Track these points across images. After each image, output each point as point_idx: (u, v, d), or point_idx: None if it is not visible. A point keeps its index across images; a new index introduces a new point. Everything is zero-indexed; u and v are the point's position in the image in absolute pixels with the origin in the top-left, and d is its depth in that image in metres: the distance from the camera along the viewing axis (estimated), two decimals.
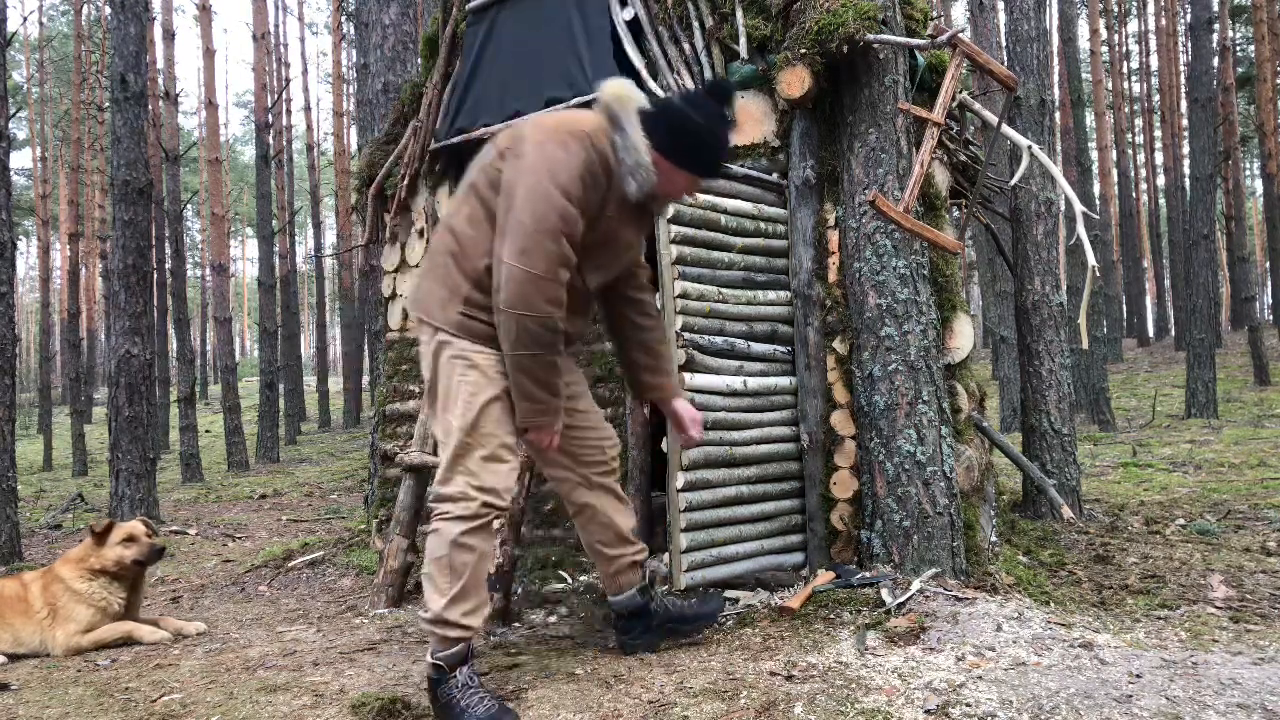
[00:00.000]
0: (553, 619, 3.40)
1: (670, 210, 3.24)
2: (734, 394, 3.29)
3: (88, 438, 16.65)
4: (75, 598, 3.45)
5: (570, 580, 3.62)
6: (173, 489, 10.95)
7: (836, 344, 3.41)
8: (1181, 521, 4.92)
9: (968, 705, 2.09)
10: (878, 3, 3.30)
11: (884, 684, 2.28)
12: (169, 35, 14.52)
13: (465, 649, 2.34)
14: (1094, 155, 20.64)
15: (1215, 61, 14.31)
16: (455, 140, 4.13)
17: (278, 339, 16.17)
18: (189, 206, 30.23)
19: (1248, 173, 33.60)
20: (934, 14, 4.45)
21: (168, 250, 15.69)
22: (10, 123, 6.65)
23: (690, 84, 3.58)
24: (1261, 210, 25.38)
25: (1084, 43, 20.31)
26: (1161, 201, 27.12)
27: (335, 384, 27.27)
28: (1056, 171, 3.37)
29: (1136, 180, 27.55)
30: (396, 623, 3.49)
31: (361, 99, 10.23)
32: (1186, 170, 18.46)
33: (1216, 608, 3.21)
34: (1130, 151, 26.30)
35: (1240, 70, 23.54)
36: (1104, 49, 24.67)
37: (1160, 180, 27.00)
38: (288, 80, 24.65)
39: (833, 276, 3.43)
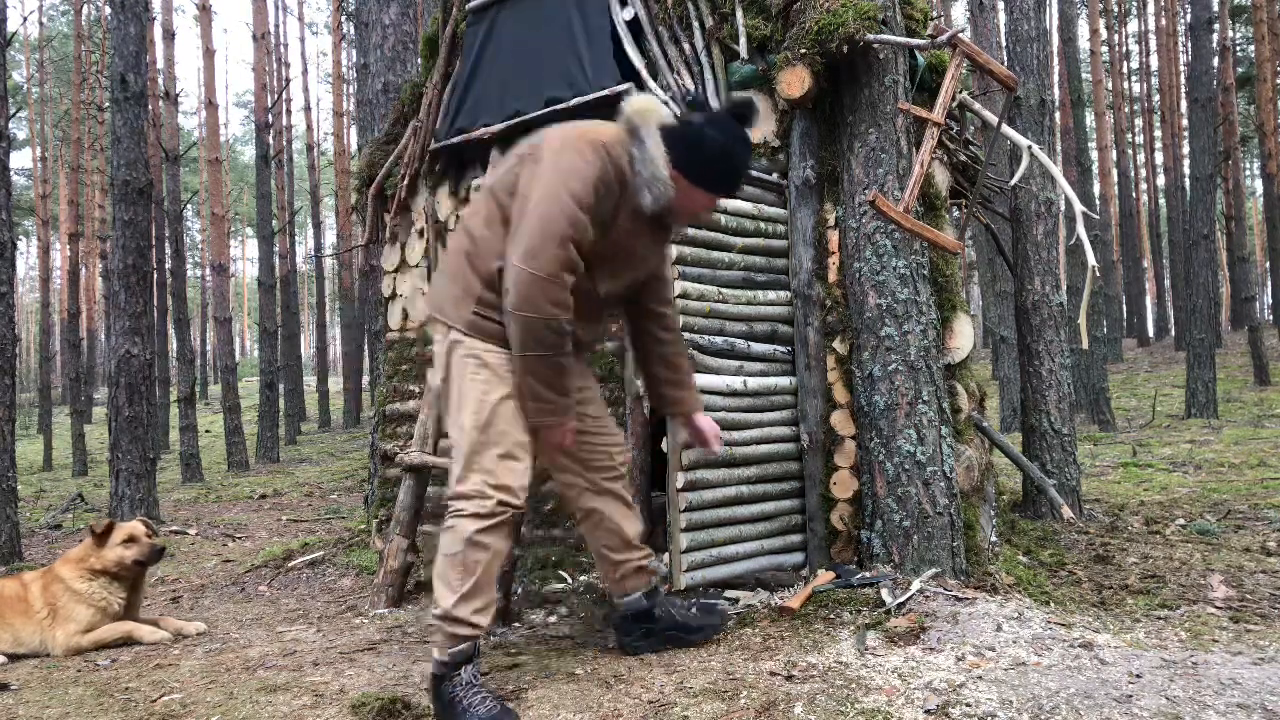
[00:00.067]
0: (553, 619, 3.40)
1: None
2: (734, 394, 3.29)
3: (88, 438, 16.65)
4: (75, 598, 3.45)
5: (570, 580, 3.62)
6: (173, 489, 10.95)
7: (836, 344, 3.41)
8: (1181, 521, 4.92)
9: (968, 705, 2.09)
10: (878, 3, 3.30)
11: (884, 684, 2.28)
12: (169, 35, 14.52)
13: (472, 647, 2.35)
14: (1094, 155, 20.64)
15: (1215, 61, 14.31)
16: (455, 140, 4.13)
17: (278, 339, 16.17)
18: (189, 206, 30.24)
19: (1248, 173, 33.61)
20: (934, 14, 4.45)
21: (168, 250, 15.69)
22: (10, 123, 6.66)
23: (690, 84, 3.58)
24: (1261, 210, 25.39)
25: (1084, 43, 20.32)
26: (1161, 201, 27.13)
27: (335, 384, 27.28)
28: (1056, 171, 3.37)
29: (1136, 180, 27.56)
30: (396, 623, 3.49)
31: (361, 99, 10.23)
32: (1186, 170, 18.46)
33: (1216, 608, 3.21)
34: (1130, 151, 26.30)
35: (1240, 70, 23.54)
36: (1104, 49, 24.68)
37: (1160, 180, 27.01)
38: (288, 80, 24.66)
39: (833, 276, 3.43)
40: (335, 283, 34.81)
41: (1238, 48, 25.20)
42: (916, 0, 3.84)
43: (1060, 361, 5.19)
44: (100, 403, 24.62)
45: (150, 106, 12.43)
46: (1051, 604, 3.14)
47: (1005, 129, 3.17)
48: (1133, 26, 28.65)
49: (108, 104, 8.29)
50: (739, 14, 3.55)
